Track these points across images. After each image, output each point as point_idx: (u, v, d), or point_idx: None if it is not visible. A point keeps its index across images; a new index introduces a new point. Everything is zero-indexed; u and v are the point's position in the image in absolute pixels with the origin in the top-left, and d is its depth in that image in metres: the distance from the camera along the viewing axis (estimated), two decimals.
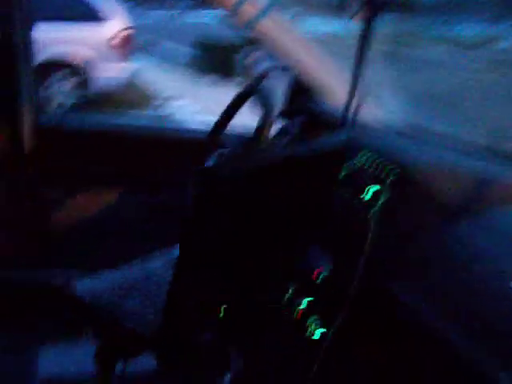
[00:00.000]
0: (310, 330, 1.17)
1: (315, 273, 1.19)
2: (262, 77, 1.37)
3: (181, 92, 7.25)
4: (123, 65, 6.55)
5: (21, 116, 1.82)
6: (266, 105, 1.25)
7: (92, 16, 6.29)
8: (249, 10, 1.35)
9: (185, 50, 10.35)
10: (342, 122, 1.38)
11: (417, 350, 0.98)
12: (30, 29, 1.81)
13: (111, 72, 6.46)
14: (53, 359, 1.52)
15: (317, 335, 1.16)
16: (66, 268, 1.69)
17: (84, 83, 6.46)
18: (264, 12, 1.22)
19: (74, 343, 1.47)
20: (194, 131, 2.05)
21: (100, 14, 6.33)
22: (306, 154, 1.28)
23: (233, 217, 1.20)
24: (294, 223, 1.27)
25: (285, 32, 1.56)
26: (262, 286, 1.34)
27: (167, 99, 7.09)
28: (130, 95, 7.06)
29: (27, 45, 1.81)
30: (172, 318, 1.28)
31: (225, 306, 1.33)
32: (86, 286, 1.35)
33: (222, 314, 1.33)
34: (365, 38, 1.33)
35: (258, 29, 1.38)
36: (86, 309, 1.32)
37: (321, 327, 1.17)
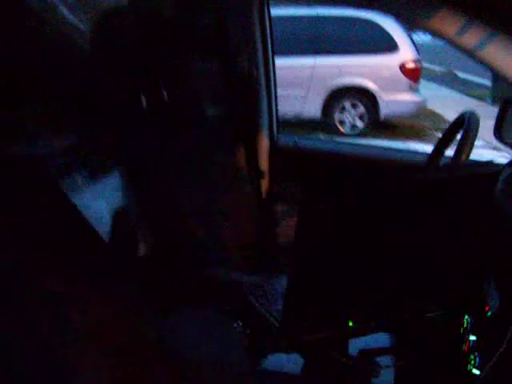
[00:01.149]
0: (471, 364, 1.15)
1: (485, 309, 1.16)
2: None
3: None
4: (412, 95, 6.66)
5: (259, 137, 2.01)
6: (468, 135, 1.34)
7: (385, 47, 6.49)
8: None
9: (479, 80, 9.79)
10: None
11: None
12: (271, 63, 2.04)
13: (399, 101, 6.61)
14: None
15: (476, 371, 1.14)
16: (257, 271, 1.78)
17: (373, 110, 6.73)
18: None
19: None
20: (415, 154, 2.11)
21: (392, 45, 6.50)
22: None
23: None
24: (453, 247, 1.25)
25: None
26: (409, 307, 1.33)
27: None
28: (413, 125, 7.15)
29: (268, 76, 2.03)
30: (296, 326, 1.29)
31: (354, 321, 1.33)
32: (266, 287, 1.44)
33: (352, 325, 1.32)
34: None
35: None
36: (247, 304, 1.40)
37: (479, 364, 1.14)
